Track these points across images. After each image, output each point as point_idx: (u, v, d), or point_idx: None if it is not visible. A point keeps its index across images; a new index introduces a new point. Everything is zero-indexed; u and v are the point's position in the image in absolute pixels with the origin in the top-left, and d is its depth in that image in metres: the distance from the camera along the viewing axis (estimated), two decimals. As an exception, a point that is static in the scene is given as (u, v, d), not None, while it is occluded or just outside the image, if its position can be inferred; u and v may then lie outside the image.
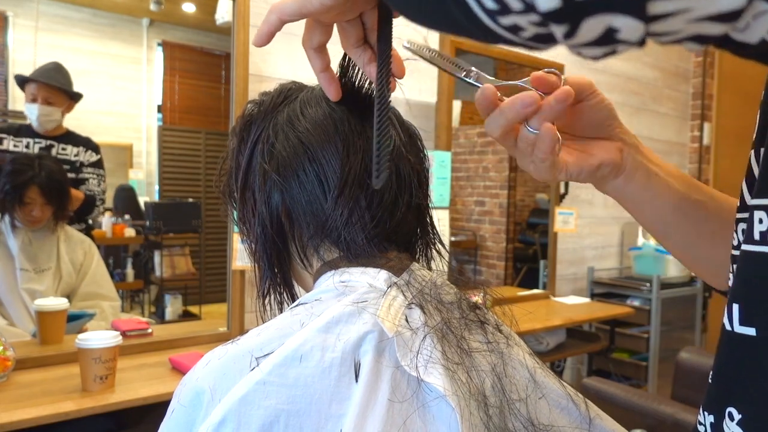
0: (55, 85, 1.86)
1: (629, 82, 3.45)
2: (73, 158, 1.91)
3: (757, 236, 0.37)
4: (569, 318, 2.54)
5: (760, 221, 0.37)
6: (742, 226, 0.40)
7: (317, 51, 0.52)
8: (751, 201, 0.39)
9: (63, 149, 1.89)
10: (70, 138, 1.92)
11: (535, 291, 3.05)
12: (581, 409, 0.55)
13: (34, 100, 1.84)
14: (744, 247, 0.39)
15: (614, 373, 3.23)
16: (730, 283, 0.40)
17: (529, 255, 3.53)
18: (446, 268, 0.65)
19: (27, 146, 1.83)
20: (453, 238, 3.49)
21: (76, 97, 1.91)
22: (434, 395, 0.47)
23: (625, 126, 0.56)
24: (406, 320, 0.50)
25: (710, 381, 0.39)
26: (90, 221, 2.00)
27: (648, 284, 3.07)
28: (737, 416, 0.36)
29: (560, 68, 2.97)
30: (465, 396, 0.48)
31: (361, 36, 0.51)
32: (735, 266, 0.40)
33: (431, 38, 2.37)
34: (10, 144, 1.82)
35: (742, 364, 0.37)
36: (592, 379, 1.94)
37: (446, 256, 0.65)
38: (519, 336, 0.59)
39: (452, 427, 0.46)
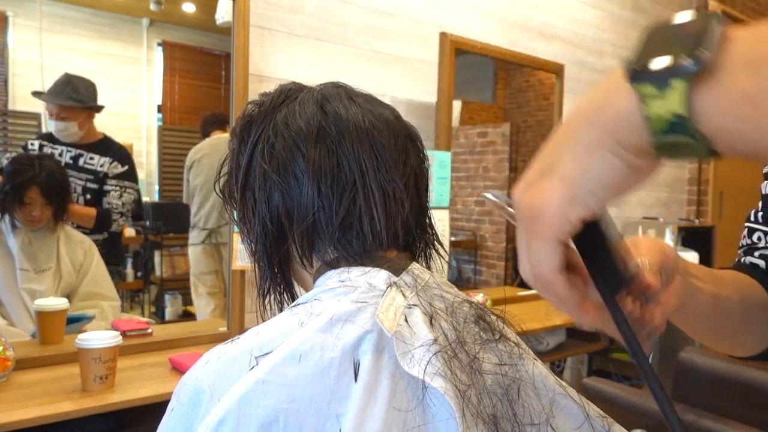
0: (65, 104, 1.87)
1: (629, 82, 3.44)
2: (98, 169, 1.92)
3: None
4: (569, 318, 2.53)
5: None
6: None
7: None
8: None
9: (90, 159, 1.91)
10: (101, 147, 1.93)
11: (535, 291, 3.05)
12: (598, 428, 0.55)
13: (51, 116, 1.87)
14: None
15: (614, 373, 3.23)
16: None
17: (529, 255, 3.52)
18: (446, 268, 0.65)
19: (60, 154, 1.87)
20: (453, 238, 3.49)
21: (94, 109, 1.92)
22: (434, 394, 0.47)
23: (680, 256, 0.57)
24: (406, 320, 0.50)
25: None
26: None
27: (648, 284, 3.06)
28: None
29: (560, 68, 2.97)
30: (468, 397, 0.48)
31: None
32: None
33: (432, 36, 2.37)
34: (49, 151, 1.86)
35: None
36: (592, 379, 1.94)
37: (445, 256, 0.65)
38: (520, 336, 0.59)
39: (451, 426, 0.46)
